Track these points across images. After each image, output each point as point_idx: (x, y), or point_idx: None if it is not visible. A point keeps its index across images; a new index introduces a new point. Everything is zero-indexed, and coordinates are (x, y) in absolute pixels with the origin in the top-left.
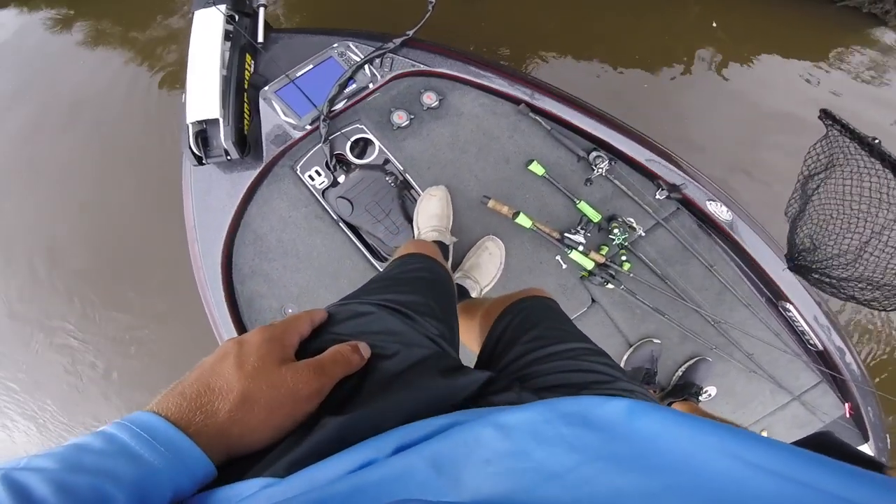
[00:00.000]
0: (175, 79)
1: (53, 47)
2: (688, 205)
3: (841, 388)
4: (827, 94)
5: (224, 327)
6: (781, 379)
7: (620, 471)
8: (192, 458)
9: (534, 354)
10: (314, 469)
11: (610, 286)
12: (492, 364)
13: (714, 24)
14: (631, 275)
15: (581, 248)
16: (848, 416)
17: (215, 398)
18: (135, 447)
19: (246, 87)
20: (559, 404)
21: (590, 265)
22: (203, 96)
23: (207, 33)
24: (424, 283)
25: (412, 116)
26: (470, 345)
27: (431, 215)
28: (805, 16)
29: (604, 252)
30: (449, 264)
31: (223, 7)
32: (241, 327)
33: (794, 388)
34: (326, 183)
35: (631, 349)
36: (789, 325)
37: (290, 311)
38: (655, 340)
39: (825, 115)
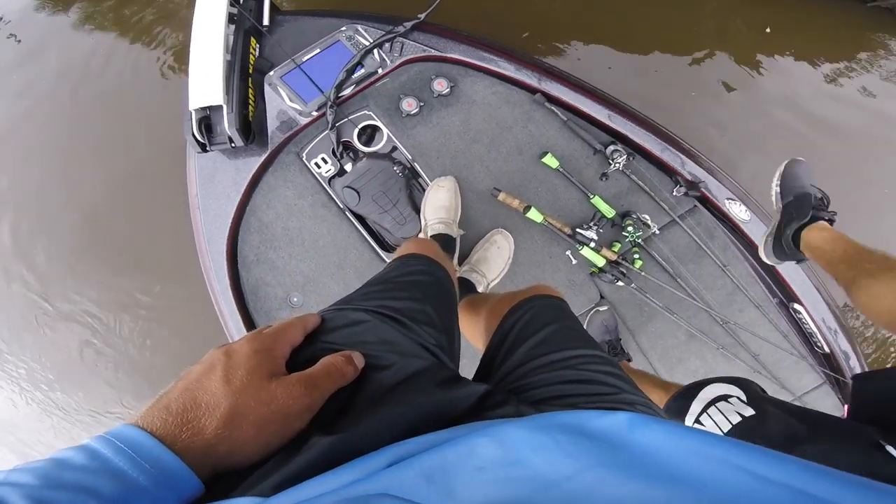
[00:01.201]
0: (179, 59)
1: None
2: (706, 203)
3: (843, 391)
4: (859, 96)
5: (230, 316)
6: (785, 380)
7: (621, 480)
8: (179, 475)
9: (535, 362)
10: (301, 488)
11: (620, 284)
12: (494, 368)
13: (768, 30)
14: (642, 273)
15: (593, 244)
16: (847, 418)
17: (202, 414)
18: (118, 464)
19: (251, 72)
20: (557, 416)
21: (601, 262)
22: (206, 82)
23: (210, 16)
24: (423, 288)
25: (422, 104)
26: (475, 342)
27: (439, 207)
28: (837, 16)
29: (616, 249)
30: (456, 258)
31: None
32: (246, 315)
33: (797, 388)
34: (333, 171)
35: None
36: (798, 326)
37: (295, 299)
38: (601, 308)
39: None
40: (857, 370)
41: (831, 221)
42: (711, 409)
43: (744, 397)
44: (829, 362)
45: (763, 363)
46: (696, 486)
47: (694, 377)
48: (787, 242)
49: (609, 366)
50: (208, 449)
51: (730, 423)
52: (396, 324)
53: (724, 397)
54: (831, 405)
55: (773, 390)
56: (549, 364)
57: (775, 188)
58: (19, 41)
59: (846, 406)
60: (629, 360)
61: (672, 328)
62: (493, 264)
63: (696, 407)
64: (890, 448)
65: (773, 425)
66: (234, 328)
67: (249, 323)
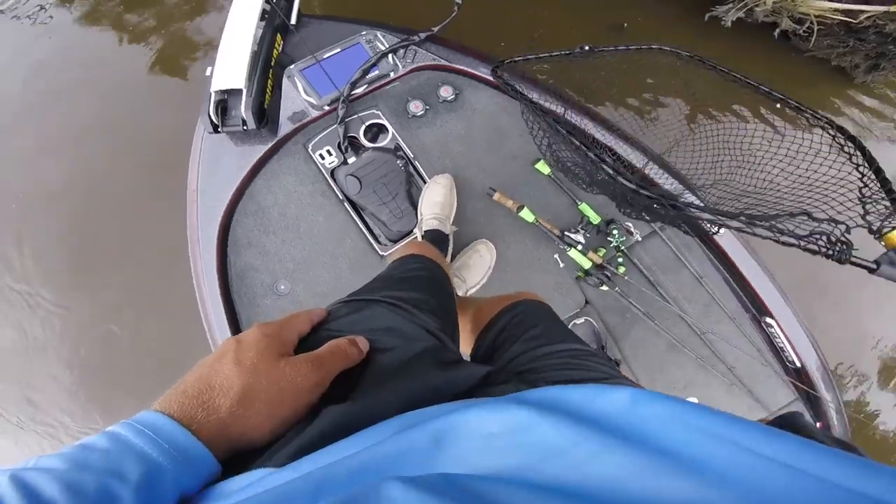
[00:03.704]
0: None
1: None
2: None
3: (815, 407)
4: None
5: (210, 300)
6: (759, 394)
7: (627, 450)
8: (197, 455)
9: (534, 353)
10: (314, 456)
11: (604, 288)
12: (491, 359)
13: (625, 25)
14: (626, 278)
15: (580, 247)
16: None
17: (216, 395)
18: (140, 445)
19: (272, 64)
20: (564, 390)
21: (587, 265)
22: (231, 66)
23: (246, 8)
24: (423, 281)
25: (428, 107)
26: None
27: (435, 203)
28: (778, 64)
29: (601, 254)
30: (449, 253)
31: None
32: (227, 300)
33: (771, 403)
34: (336, 163)
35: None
36: (770, 341)
37: (282, 287)
38: (583, 319)
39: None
40: (828, 386)
41: None
42: None
43: None
44: (800, 377)
45: (738, 376)
46: (697, 462)
47: (673, 389)
48: None
49: (603, 359)
50: (224, 428)
51: None
52: (400, 310)
53: None
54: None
55: (748, 405)
56: (548, 354)
57: None
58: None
59: (818, 423)
60: (618, 364)
61: (653, 337)
62: (474, 271)
63: None
64: None
65: None
66: (214, 314)
67: (230, 309)
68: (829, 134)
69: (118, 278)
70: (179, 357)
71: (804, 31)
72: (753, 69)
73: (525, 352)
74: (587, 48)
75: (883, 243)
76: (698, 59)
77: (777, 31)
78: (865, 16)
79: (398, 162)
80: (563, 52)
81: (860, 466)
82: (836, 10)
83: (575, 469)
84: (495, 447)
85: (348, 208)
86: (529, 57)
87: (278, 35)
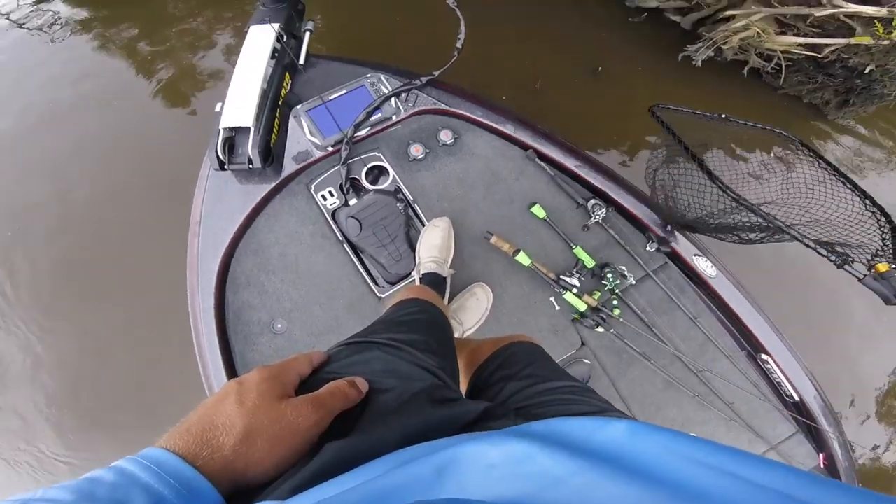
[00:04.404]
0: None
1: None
2: (675, 258)
3: (816, 439)
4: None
5: (206, 336)
6: (760, 429)
7: (625, 480)
8: (201, 489)
9: (532, 389)
10: (316, 490)
11: (600, 329)
12: (488, 396)
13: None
14: (621, 320)
15: (575, 290)
16: (822, 466)
17: (220, 434)
18: (145, 479)
19: (280, 103)
20: (563, 422)
21: (582, 307)
22: (241, 104)
23: (258, 47)
24: (423, 324)
25: (428, 150)
26: None
27: (433, 245)
28: (753, 104)
29: (596, 297)
30: (446, 296)
31: (277, 25)
32: (223, 337)
33: (772, 437)
34: (338, 204)
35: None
36: (767, 376)
37: (279, 326)
38: (586, 361)
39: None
40: (828, 417)
41: None
42: None
43: None
44: (799, 410)
45: (737, 412)
46: (692, 490)
47: (672, 425)
48: None
49: (593, 393)
50: (227, 465)
51: None
52: (399, 351)
53: None
54: (805, 453)
55: (748, 439)
56: (545, 391)
57: None
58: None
59: (821, 455)
60: None
61: (650, 376)
62: (471, 314)
63: None
64: None
65: None
66: (209, 349)
67: (225, 345)
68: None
69: (113, 305)
70: (171, 390)
71: (773, 68)
72: (729, 108)
73: (522, 389)
74: (723, 116)
75: (873, 270)
76: (808, 148)
77: (746, 68)
78: (829, 49)
79: (398, 205)
80: (706, 114)
81: (856, 495)
82: (800, 44)
83: (575, 498)
84: (496, 478)
85: (348, 250)
86: (683, 110)
87: (287, 74)
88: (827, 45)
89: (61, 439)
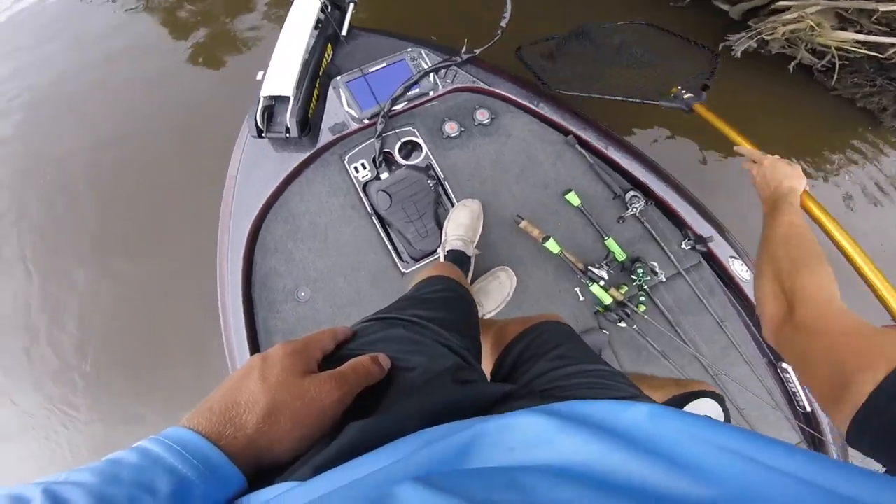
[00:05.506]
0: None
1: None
2: (710, 259)
3: (819, 450)
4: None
5: (231, 300)
6: (766, 434)
7: (647, 463)
8: (224, 470)
9: (558, 372)
10: (339, 470)
11: (622, 325)
12: (509, 381)
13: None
14: (645, 317)
15: (602, 282)
16: None
17: (243, 411)
18: (169, 460)
19: (320, 74)
20: (583, 405)
21: (608, 300)
22: (283, 73)
23: (302, 17)
24: (448, 302)
25: (463, 129)
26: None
27: (460, 223)
28: (797, 102)
29: (623, 291)
30: (470, 276)
31: None
32: (248, 301)
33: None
34: (370, 177)
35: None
36: (783, 385)
37: (302, 294)
38: (604, 332)
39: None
40: (835, 431)
41: None
42: None
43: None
44: (808, 421)
45: (747, 418)
46: (711, 474)
47: None
48: None
49: (624, 378)
50: (250, 444)
51: None
52: (424, 329)
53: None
54: None
55: None
56: (572, 374)
57: None
58: None
59: None
60: None
61: (667, 375)
62: (493, 297)
63: None
64: None
65: None
66: (233, 312)
67: (250, 311)
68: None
69: (142, 259)
70: (193, 351)
71: (824, 66)
72: (769, 106)
73: (549, 371)
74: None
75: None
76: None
77: (793, 64)
78: (894, 50)
79: (429, 181)
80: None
81: (872, 479)
82: (859, 42)
83: (598, 479)
84: (517, 459)
85: (376, 223)
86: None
87: (329, 45)
88: (892, 45)
89: (75, 397)
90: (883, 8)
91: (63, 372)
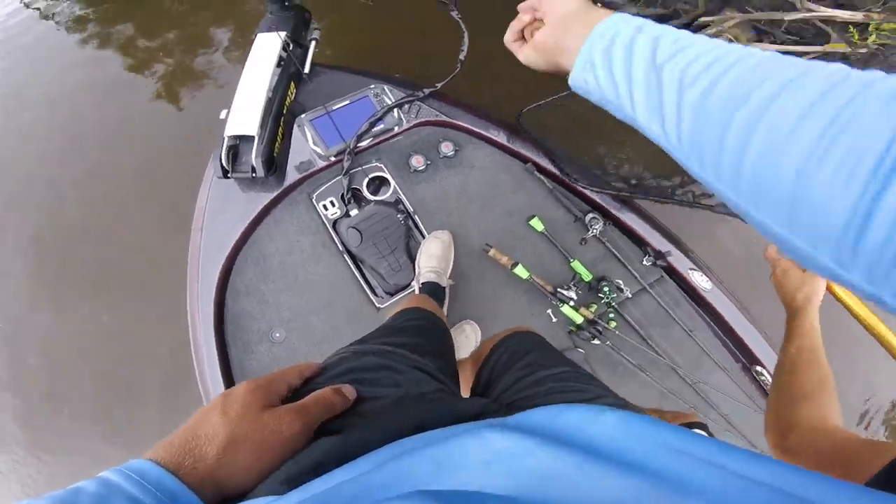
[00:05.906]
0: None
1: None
2: (672, 273)
3: None
4: None
5: (205, 341)
6: (755, 439)
7: (622, 473)
8: (183, 498)
9: (525, 381)
10: (313, 483)
11: (596, 342)
12: (486, 395)
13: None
14: (617, 332)
15: (572, 303)
16: None
17: (203, 443)
18: (129, 489)
19: (284, 112)
20: (555, 415)
21: (579, 320)
22: (246, 113)
23: (264, 55)
24: (421, 330)
25: (429, 162)
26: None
27: (432, 255)
28: None
29: (592, 309)
30: (445, 306)
31: (283, 34)
32: (221, 344)
33: (766, 448)
34: (339, 214)
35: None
36: (762, 388)
37: (277, 335)
38: (580, 350)
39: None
40: None
41: None
42: None
43: None
44: None
45: (733, 423)
46: (686, 482)
47: None
48: None
49: (589, 378)
50: (212, 473)
51: None
52: (397, 356)
53: None
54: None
55: (745, 447)
56: (538, 381)
57: None
58: None
59: None
60: None
61: (646, 388)
62: (462, 350)
63: None
64: None
65: None
66: (207, 356)
67: (223, 352)
68: None
69: (107, 306)
70: (162, 393)
71: None
72: None
73: (515, 382)
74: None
75: None
76: None
77: None
78: (807, 57)
79: (398, 216)
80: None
81: (843, 488)
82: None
83: (571, 491)
84: (494, 474)
85: (348, 260)
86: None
87: (292, 83)
88: (805, 53)
89: (40, 439)
90: (788, 17)
91: (29, 415)
